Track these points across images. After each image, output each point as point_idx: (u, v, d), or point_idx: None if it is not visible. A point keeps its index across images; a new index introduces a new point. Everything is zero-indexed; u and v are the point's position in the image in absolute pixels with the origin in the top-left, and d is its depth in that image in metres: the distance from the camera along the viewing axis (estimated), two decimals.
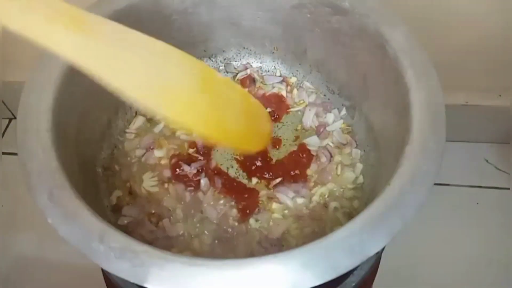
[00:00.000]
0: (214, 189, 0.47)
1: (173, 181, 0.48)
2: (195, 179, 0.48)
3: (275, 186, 0.48)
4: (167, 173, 0.48)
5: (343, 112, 0.52)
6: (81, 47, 0.29)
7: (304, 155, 0.49)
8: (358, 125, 0.51)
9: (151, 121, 0.52)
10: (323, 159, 0.49)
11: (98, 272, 0.47)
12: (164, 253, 0.32)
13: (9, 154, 0.78)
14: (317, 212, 0.46)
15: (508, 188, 0.76)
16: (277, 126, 0.52)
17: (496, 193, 0.76)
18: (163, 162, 0.49)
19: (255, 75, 0.55)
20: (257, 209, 0.46)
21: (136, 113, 0.53)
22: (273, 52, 0.55)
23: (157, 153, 0.50)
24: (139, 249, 0.32)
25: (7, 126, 0.87)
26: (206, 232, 0.45)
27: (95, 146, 0.48)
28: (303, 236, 0.45)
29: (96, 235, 0.33)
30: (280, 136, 0.51)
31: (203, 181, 0.47)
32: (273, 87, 0.55)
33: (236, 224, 0.45)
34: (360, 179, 0.48)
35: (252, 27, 0.52)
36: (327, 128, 0.51)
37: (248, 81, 0.54)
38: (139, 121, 0.52)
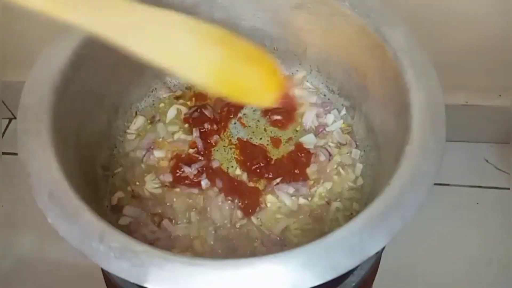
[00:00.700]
0: (215, 189, 0.47)
1: (174, 182, 0.48)
2: (195, 180, 0.48)
3: (276, 185, 0.47)
4: (167, 175, 0.48)
5: (343, 112, 0.52)
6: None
7: (303, 154, 0.49)
8: (358, 125, 0.51)
9: (151, 121, 0.52)
10: (322, 158, 0.49)
11: (98, 272, 0.47)
12: (164, 253, 0.32)
13: (9, 154, 0.79)
14: (317, 211, 0.46)
15: (508, 188, 0.76)
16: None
17: (496, 193, 0.76)
18: (163, 163, 0.49)
19: None
20: (258, 208, 0.46)
21: (136, 113, 0.53)
22: (273, 52, 0.54)
23: (158, 153, 0.50)
24: (139, 249, 0.32)
25: (7, 126, 0.87)
26: (207, 232, 0.45)
27: (95, 146, 0.48)
28: (304, 235, 0.45)
29: (96, 235, 0.33)
30: (280, 136, 0.51)
31: (204, 182, 0.47)
32: None
33: (237, 224, 0.45)
34: (360, 180, 0.48)
35: (252, 27, 0.52)
36: (327, 129, 0.51)
37: None
38: (139, 121, 0.52)
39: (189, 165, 0.48)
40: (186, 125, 0.52)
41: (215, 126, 0.52)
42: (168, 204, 0.47)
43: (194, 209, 0.46)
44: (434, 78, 0.40)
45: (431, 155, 0.36)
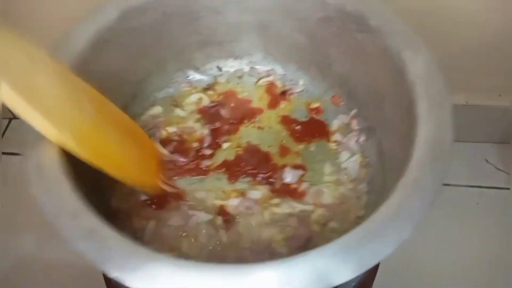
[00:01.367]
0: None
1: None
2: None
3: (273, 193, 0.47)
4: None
5: (362, 138, 0.50)
6: None
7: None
8: (371, 149, 0.49)
9: (167, 109, 0.53)
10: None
11: (98, 272, 0.47)
12: (131, 243, 0.32)
13: (9, 154, 0.78)
14: (309, 227, 0.45)
15: (508, 188, 0.76)
16: None
17: (496, 193, 0.76)
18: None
19: (278, 83, 0.55)
20: (250, 214, 0.46)
21: (154, 103, 0.53)
22: (298, 62, 0.54)
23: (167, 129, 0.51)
24: (108, 234, 0.32)
25: (7, 126, 0.87)
26: (197, 234, 0.45)
27: None
28: (291, 246, 0.44)
29: (70, 212, 0.33)
30: (290, 147, 0.50)
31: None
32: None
33: (225, 230, 0.45)
34: (362, 212, 0.46)
35: (279, 34, 0.52)
36: (342, 165, 0.49)
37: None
38: (156, 110, 0.53)
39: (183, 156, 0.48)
40: (199, 116, 0.52)
41: (226, 127, 0.52)
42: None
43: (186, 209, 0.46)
44: (448, 111, 0.38)
45: (424, 192, 0.34)
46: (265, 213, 0.46)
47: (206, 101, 0.54)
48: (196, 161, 0.49)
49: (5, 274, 0.72)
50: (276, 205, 0.46)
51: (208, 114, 0.53)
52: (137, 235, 0.45)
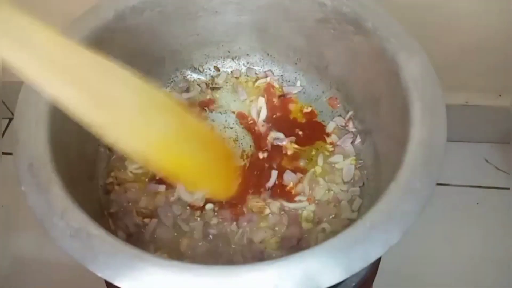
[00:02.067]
0: None
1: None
2: None
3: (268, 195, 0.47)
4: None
5: (358, 140, 0.50)
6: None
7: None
8: (366, 151, 0.49)
9: None
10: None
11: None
12: (117, 242, 0.32)
13: (9, 154, 0.78)
14: (302, 228, 0.46)
15: (508, 188, 0.76)
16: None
17: (496, 193, 0.76)
18: None
19: (275, 84, 0.55)
20: (244, 217, 0.46)
21: None
22: (296, 63, 0.54)
23: None
24: (95, 233, 0.32)
25: (7, 126, 0.87)
26: (189, 236, 0.45)
27: None
28: (282, 248, 0.44)
29: (59, 211, 0.33)
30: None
31: None
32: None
33: (217, 233, 0.45)
34: (354, 215, 0.46)
35: (277, 35, 0.52)
36: (336, 166, 0.49)
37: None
38: None
39: None
40: (198, 108, 0.53)
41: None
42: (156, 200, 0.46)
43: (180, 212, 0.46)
44: (442, 115, 0.38)
45: (415, 196, 0.34)
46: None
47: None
48: None
49: (5, 274, 0.73)
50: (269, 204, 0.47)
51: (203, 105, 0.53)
52: (137, 234, 0.45)
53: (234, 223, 0.45)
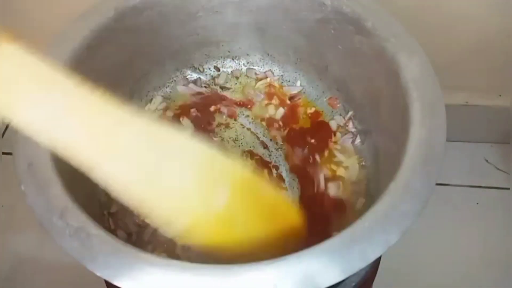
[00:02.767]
0: None
1: None
2: None
3: None
4: None
5: (358, 140, 0.51)
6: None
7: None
8: (366, 151, 0.49)
9: (167, 100, 0.54)
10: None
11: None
12: (117, 242, 0.32)
13: (9, 154, 0.78)
14: None
15: (508, 188, 0.76)
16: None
17: (496, 193, 0.76)
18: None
19: (275, 84, 0.55)
20: None
21: (151, 101, 0.54)
22: (296, 63, 0.54)
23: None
24: (94, 232, 0.32)
25: (7, 126, 0.87)
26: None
27: None
28: None
29: (58, 210, 0.33)
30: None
31: None
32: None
33: None
34: (357, 215, 0.45)
35: (277, 35, 0.52)
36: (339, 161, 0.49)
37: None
38: (158, 101, 0.53)
39: None
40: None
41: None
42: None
43: None
44: (441, 115, 0.38)
45: (414, 196, 0.34)
46: None
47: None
48: None
49: (5, 274, 0.73)
50: None
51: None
52: (137, 233, 0.45)
53: None
